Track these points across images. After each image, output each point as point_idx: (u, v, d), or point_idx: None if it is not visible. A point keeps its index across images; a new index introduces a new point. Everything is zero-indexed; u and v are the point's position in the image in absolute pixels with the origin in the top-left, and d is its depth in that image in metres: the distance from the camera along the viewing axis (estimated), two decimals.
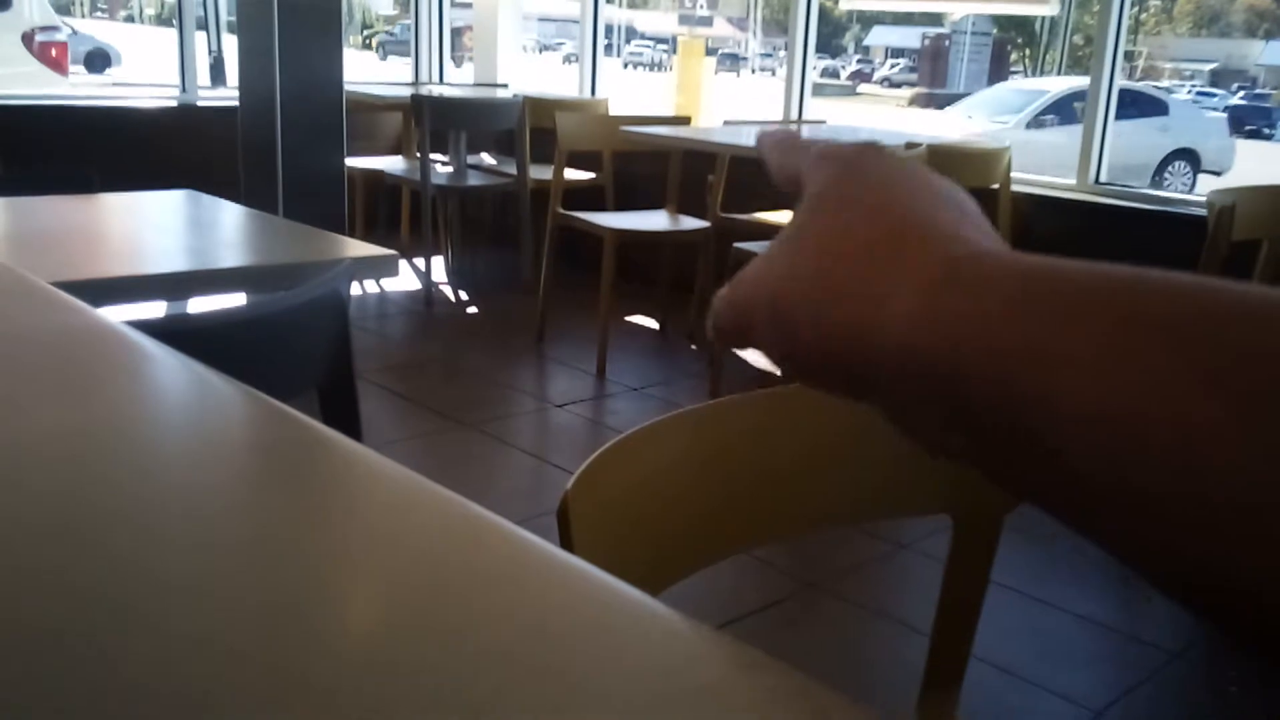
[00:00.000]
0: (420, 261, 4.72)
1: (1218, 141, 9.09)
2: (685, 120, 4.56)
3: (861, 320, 0.32)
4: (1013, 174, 3.75)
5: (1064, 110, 9.41)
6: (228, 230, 1.79)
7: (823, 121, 5.14)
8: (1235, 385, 0.24)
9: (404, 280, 4.81)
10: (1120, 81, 4.21)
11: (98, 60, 15.51)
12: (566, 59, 13.44)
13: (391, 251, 1.50)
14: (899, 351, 0.31)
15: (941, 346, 0.30)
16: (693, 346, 4.23)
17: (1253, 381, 0.24)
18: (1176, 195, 3.83)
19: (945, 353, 0.30)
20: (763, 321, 0.36)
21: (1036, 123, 9.11)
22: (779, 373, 0.37)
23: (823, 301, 0.33)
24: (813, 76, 5.17)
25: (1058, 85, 10.86)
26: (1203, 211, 2.83)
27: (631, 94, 7.69)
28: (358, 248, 1.50)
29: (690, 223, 4.02)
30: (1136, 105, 9.87)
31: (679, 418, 0.79)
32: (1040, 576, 2.47)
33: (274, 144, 3.75)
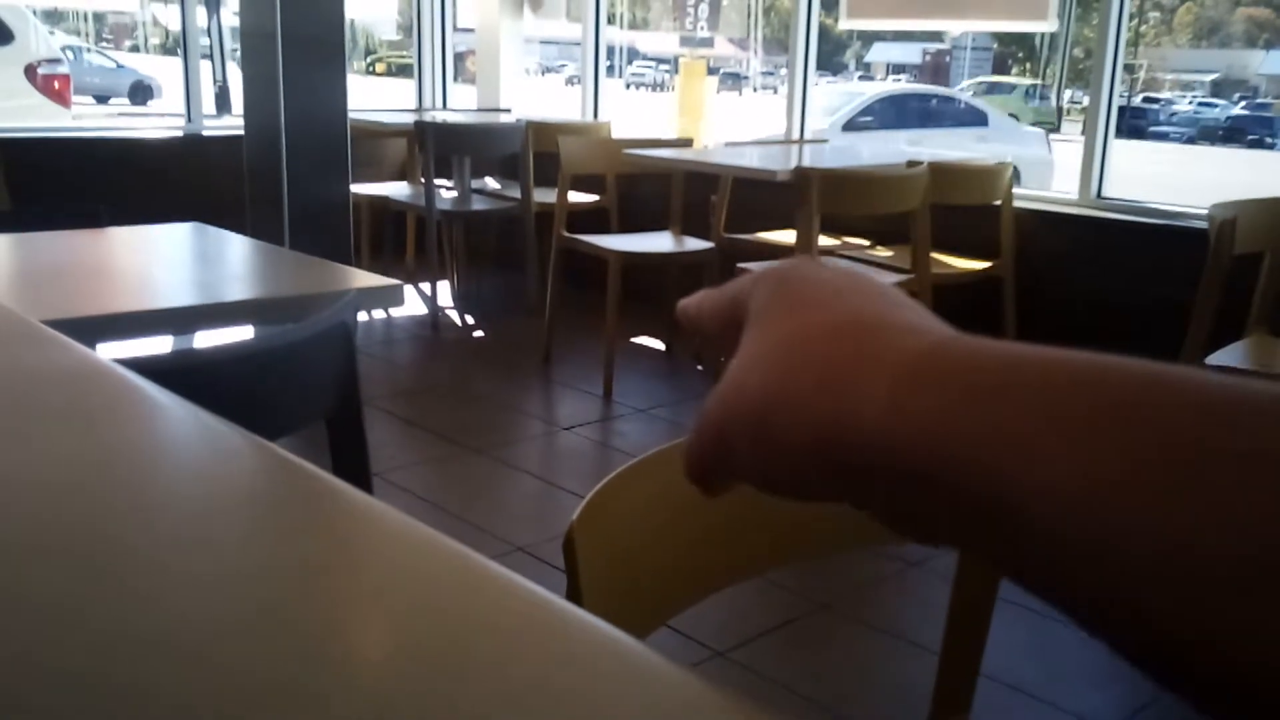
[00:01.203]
0: (426, 287, 4.74)
1: (1036, 154, 9.00)
2: (687, 142, 4.58)
3: (838, 415, 0.33)
4: (1015, 190, 3.76)
5: (882, 113, 9.30)
6: (233, 263, 1.81)
7: (826, 141, 5.16)
8: (1207, 476, 0.25)
9: (411, 305, 4.83)
10: (1124, 96, 4.21)
11: (140, 93, 15.77)
12: (569, 81, 13.48)
13: (396, 281, 1.52)
14: (877, 441, 0.32)
15: (915, 438, 0.31)
16: (699, 367, 4.23)
17: (1223, 474, 0.25)
18: (1178, 209, 3.83)
19: (919, 443, 0.31)
20: (742, 442, 0.36)
21: (853, 124, 9.06)
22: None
23: (798, 405, 0.34)
24: (814, 94, 5.19)
25: (875, 89, 10.74)
26: (1204, 225, 2.83)
27: (634, 115, 7.72)
28: (363, 278, 1.52)
29: (694, 244, 4.03)
30: (955, 115, 9.83)
31: (654, 456, 0.79)
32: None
33: (279, 172, 3.78)
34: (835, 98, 9.42)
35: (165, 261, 1.73)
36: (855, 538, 0.98)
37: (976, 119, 10.15)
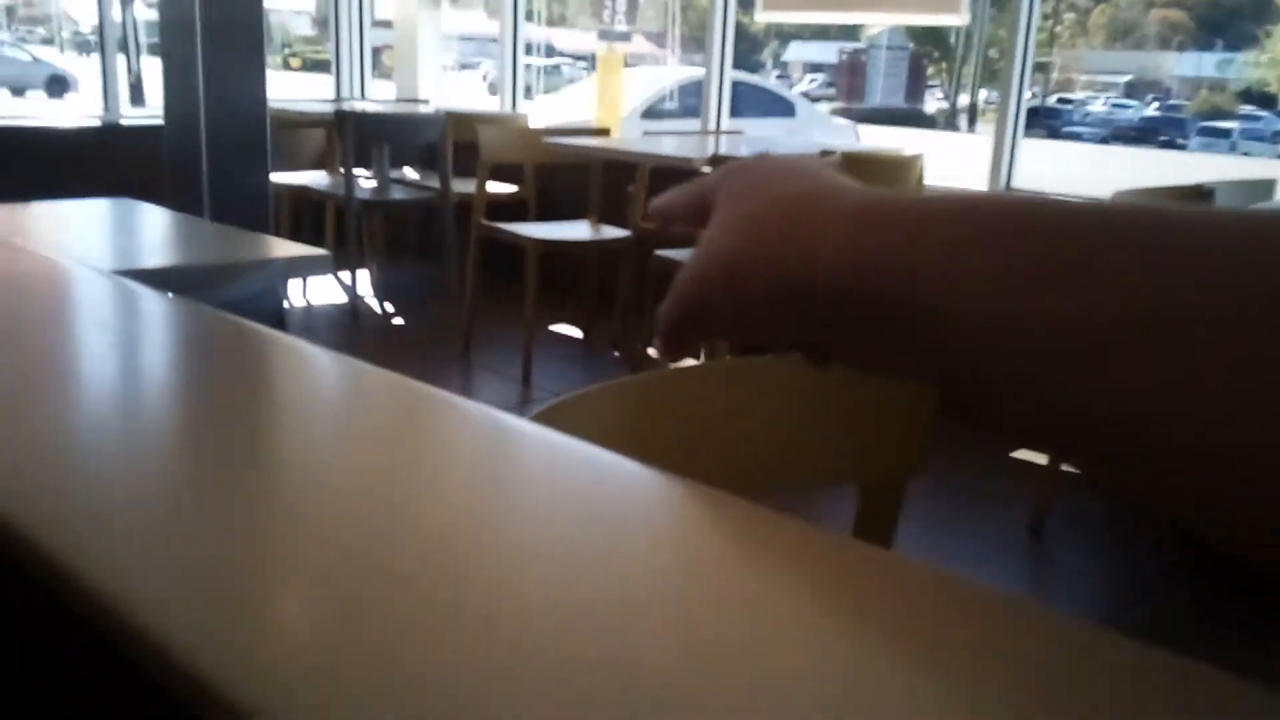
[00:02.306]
0: (346, 275, 4.76)
1: (844, 144, 9.22)
2: (605, 132, 4.66)
3: (803, 258, 0.41)
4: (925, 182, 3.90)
5: (684, 100, 9.28)
6: (157, 233, 1.84)
7: (741, 131, 5.28)
8: (1064, 279, 0.33)
9: (330, 294, 4.84)
10: (1038, 95, 4.39)
11: (57, 86, 15.43)
12: (485, 78, 13.42)
13: (323, 251, 1.57)
14: (833, 283, 0.39)
15: (864, 267, 0.39)
16: (615, 354, 4.32)
17: (1063, 277, 0.33)
18: (1081, 196, 4.01)
19: (867, 270, 0.39)
20: (716, 299, 0.44)
21: (653, 111, 9.06)
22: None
23: (768, 256, 0.42)
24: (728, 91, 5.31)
25: (677, 74, 10.75)
26: None
27: (552, 109, 7.76)
28: (289, 248, 1.57)
29: (611, 232, 4.12)
30: (763, 104, 9.93)
31: (591, 392, 0.83)
32: (943, 548, 2.60)
33: (199, 161, 3.78)
34: (637, 84, 9.20)
35: (87, 231, 1.76)
36: (759, 485, 1.04)
37: (784, 109, 10.27)
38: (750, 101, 10.40)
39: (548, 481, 0.64)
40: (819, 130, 9.94)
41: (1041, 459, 3.00)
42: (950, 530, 2.72)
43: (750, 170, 0.47)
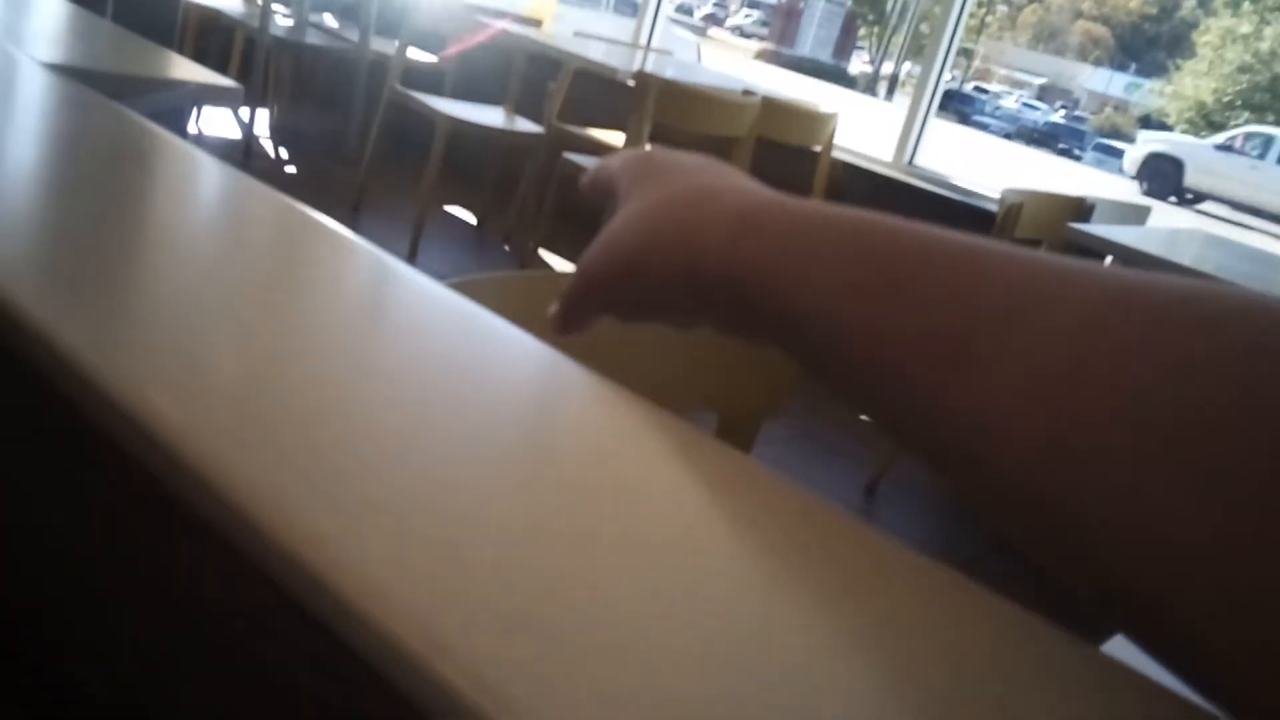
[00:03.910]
0: (245, 112, 4.59)
1: (684, 59, 9.49)
2: (536, 22, 4.58)
3: (692, 258, 0.46)
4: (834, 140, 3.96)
5: None
6: (55, 25, 1.76)
7: (670, 53, 5.25)
8: (901, 293, 0.39)
9: (223, 128, 4.68)
10: (956, 79, 4.47)
11: None
12: None
13: (236, 84, 1.53)
14: (719, 274, 0.45)
15: (742, 270, 0.44)
16: (505, 247, 4.30)
17: (908, 292, 0.39)
18: (976, 189, 4.14)
19: (744, 273, 0.44)
20: (616, 283, 0.50)
21: None
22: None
23: (664, 252, 0.48)
24: (667, 11, 5.27)
25: None
26: (995, 208, 3.10)
27: None
28: (202, 73, 1.52)
29: (525, 125, 4.07)
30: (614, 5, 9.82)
31: (491, 278, 0.86)
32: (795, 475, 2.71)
33: None
34: None
35: None
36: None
37: (629, 9, 10.40)
38: None
39: (424, 327, 0.66)
40: (665, 39, 10.04)
41: None
42: (790, 476, 2.83)
43: (649, 163, 0.53)
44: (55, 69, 1.07)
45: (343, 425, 0.50)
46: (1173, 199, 20.97)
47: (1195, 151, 22.20)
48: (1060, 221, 2.92)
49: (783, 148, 3.78)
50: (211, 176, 0.87)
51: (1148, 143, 23.08)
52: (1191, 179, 21.41)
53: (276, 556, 0.39)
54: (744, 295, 0.44)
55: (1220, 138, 23.76)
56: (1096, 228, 2.78)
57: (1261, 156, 21.86)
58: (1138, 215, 4.04)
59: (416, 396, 0.55)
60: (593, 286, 0.51)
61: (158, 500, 0.46)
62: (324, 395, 0.52)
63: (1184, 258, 2.77)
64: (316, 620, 0.38)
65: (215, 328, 0.56)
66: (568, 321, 0.54)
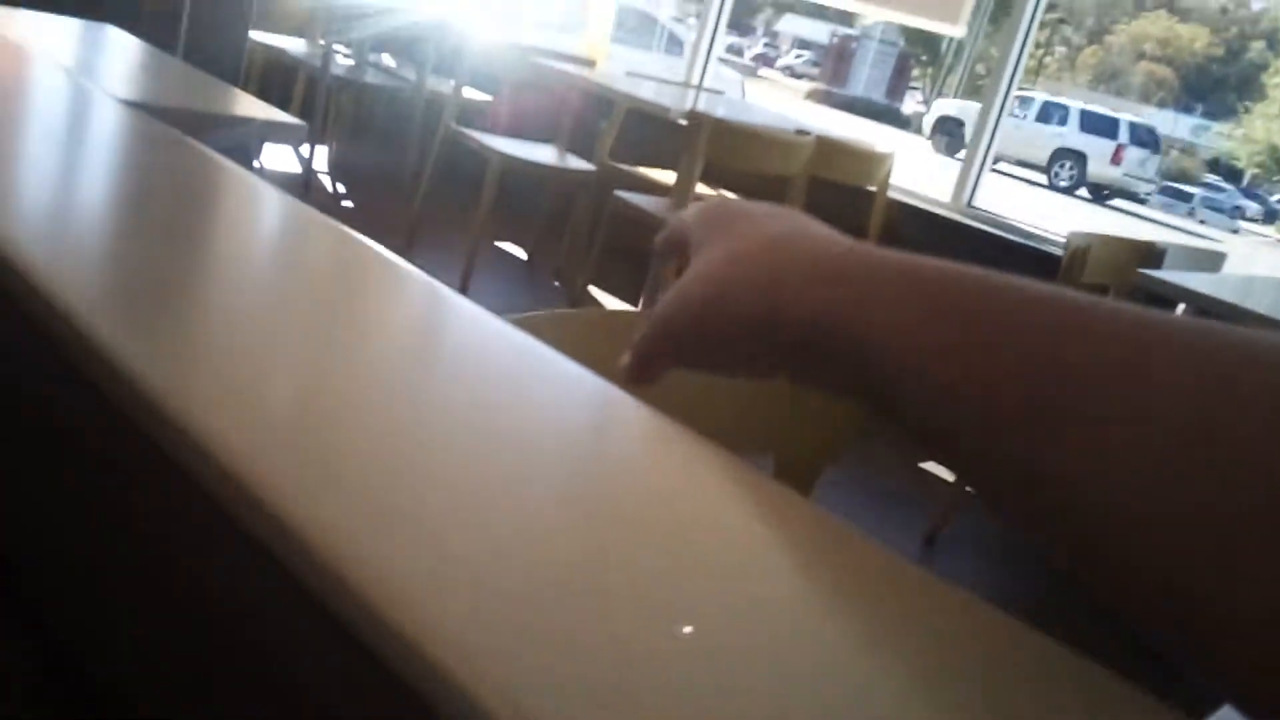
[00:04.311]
0: (305, 148, 4.69)
1: (732, 97, 9.31)
2: (590, 62, 4.64)
3: (768, 311, 0.46)
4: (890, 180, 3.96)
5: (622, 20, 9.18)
6: (132, 64, 1.82)
7: (721, 92, 5.29)
8: (964, 347, 0.38)
9: (284, 162, 4.78)
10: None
11: None
12: None
13: (299, 121, 1.57)
14: (796, 325, 0.44)
15: (819, 320, 0.44)
16: (555, 284, 4.34)
17: (994, 350, 0.38)
18: (1039, 231, 4.11)
19: (821, 324, 0.44)
20: (689, 334, 0.49)
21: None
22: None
23: (738, 305, 0.47)
24: (718, 51, 5.32)
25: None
26: (1060, 251, 3.04)
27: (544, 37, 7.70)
28: (268, 110, 1.56)
29: (576, 163, 4.12)
30: (644, 37, 9.82)
31: (525, 320, 0.86)
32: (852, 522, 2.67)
33: (181, 5, 3.69)
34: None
35: (59, 49, 1.73)
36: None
37: (680, 49, 10.37)
38: (634, 30, 10.25)
39: (479, 358, 0.67)
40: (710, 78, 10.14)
41: (949, 475, 3.09)
42: (853, 523, 2.80)
43: (718, 215, 0.53)
44: (130, 105, 1.11)
45: (396, 453, 0.50)
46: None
47: None
48: (1129, 266, 2.83)
49: (837, 187, 3.77)
50: (277, 209, 0.89)
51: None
52: None
53: (326, 578, 0.39)
54: (823, 346, 0.43)
55: None
56: (1169, 274, 2.70)
57: None
58: (1211, 261, 3.95)
59: (470, 427, 0.55)
60: (666, 337, 0.51)
61: (215, 521, 0.46)
62: (378, 422, 0.53)
63: (1260, 305, 2.68)
64: (361, 644, 0.38)
65: (276, 354, 0.58)
66: (640, 371, 0.52)
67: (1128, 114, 23.37)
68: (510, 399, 0.61)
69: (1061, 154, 20.73)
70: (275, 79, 5.06)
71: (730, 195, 4.27)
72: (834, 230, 0.50)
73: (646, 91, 4.08)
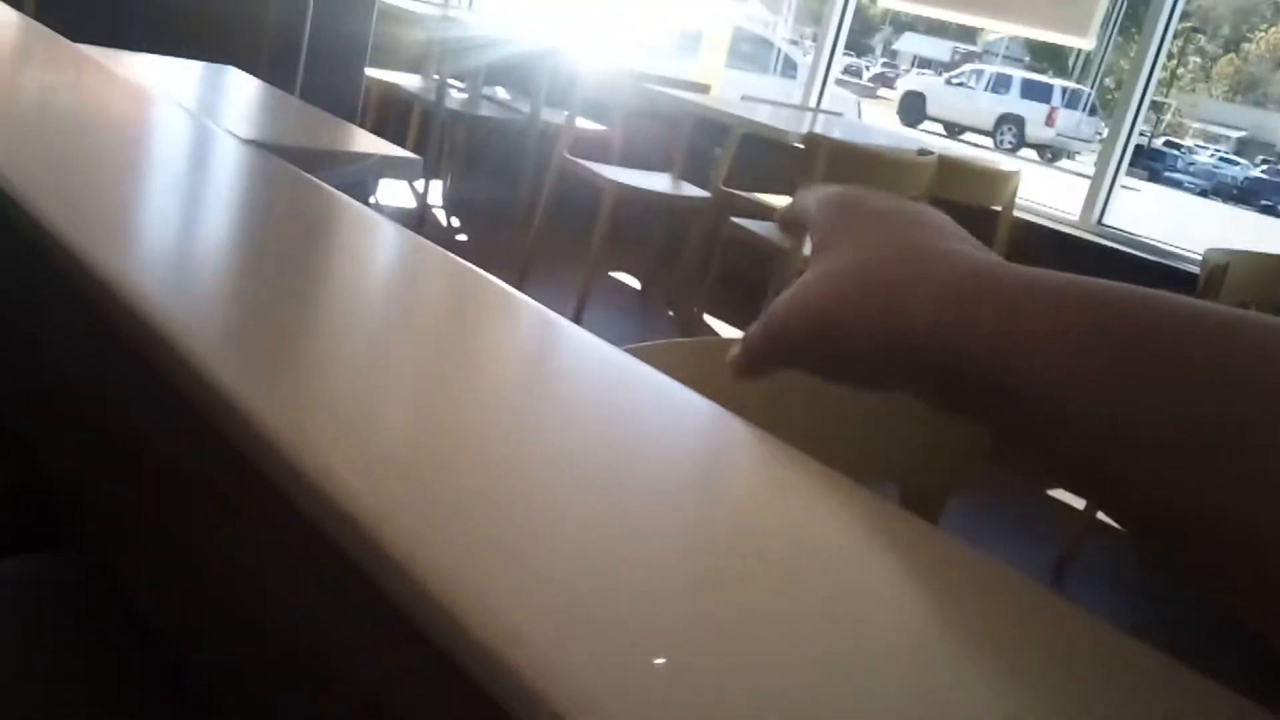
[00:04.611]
0: (420, 183, 4.74)
1: (849, 118, 9.04)
2: (705, 88, 4.58)
3: (897, 330, 0.42)
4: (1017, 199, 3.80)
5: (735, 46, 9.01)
6: (253, 104, 1.83)
7: (840, 114, 5.18)
8: (1147, 378, 0.35)
9: (400, 197, 4.83)
10: (1146, 135, 4.26)
11: None
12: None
13: (416, 156, 1.55)
14: (926, 347, 0.41)
15: (953, 343, 0.40)
16: (670, 313, 4.27)
17: (1158, 377, 0.35)
18: (1173, 249, 3.90)
19: (955, 346, 0.40)
20: (804, 340, 0.46)
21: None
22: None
23: (864, 321, 0.44)
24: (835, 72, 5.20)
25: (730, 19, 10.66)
26: (1196, 269, 2.88)
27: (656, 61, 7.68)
28: (384, 146, 1.55)
29: (691, 190, 4.05)
30: (761, 59, 9.65)
31: (641, 350, 0.83)
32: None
33: (300, 41, 3.76)
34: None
35: (186, 91, 1.75)
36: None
37: (790, 71, 10.14)
38: (748, 54, 10.27)
39: (591, 384, 0.66)
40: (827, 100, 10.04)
41: (1079, 503, 2.94)
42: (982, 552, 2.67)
43: (853, 211, 0.49)
44: (251, 144, 1.11)
45: (511, 486, 0.49)
46: None
47: None
48: (1272, 283, 2.67)
49: (961, 208, 3.65)
50: (393, 243, 0.89)
51: None
52: None
53: (441, 618, 0.39)
54: (957, 368, 0.40)
55: None
56: None
57: None
58: None
59: (586, 457, 0.54)
60: (781, 337, 0.47)
61: (327, 558, 0.46)
62: (493, 454, 0.52)
63: None
64: (468, 678, 0.37)
65: (392, 389, 0.58)
66: (748, 368, 0.49)
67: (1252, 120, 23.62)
68: (627, 428, 0.60)
69: (1004, 119, 22.12)
70: (391, 115, 5.13)
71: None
72: (969, 236, 0.47)
73: (762, 115, 3.99)
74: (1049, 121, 21.97)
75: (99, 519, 0.76)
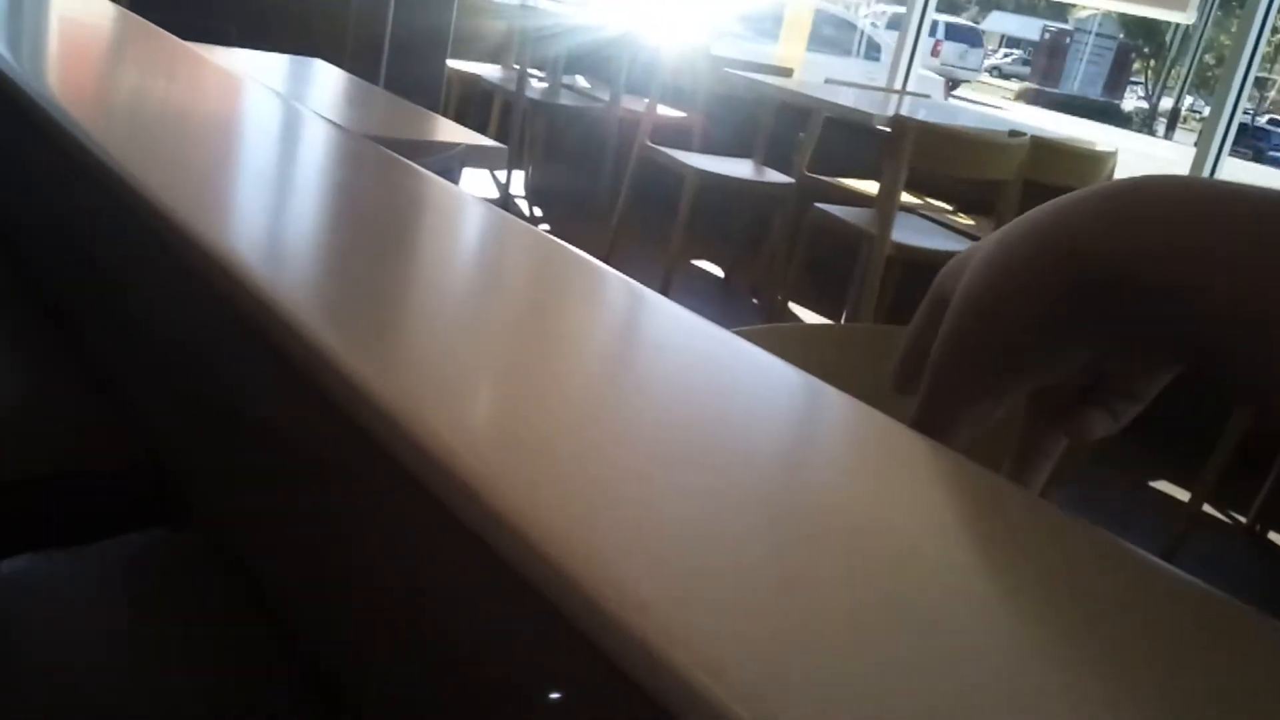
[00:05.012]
0: (501, 173, 4.74)
1: (935, 100, 8.70)
2: (787, 72, 4.51)
3: (1064, 256, 0.40)
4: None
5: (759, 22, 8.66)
6: (341, 96, 1.84)
7: (927, 96, 5.06)
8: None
9: (483, 187, 4.84)
10: (1249, 113, 4.10)
11: None
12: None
13: (500, 145, 1.54)
14: (1099, 270, 0.39)
15: (1128, 266, 0.38)
16: (754, 300, 4.22)
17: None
18: None
19: (1129, 269, 0.38)
20: (977, 335, 0.44)
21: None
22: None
23: (1029, 260, 0.42)
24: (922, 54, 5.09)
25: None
26: None
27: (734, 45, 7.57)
28: (469, 135, 1.55)
29: (774, 176, 3.99)
30: (843, 43, 9.43)
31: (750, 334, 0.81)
32: None
33: (384, 33, 3.78)
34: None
35: (278, 82, 1.77)
36: None
37: (874, 54, 9.90)
38: (831, 38, 10.12)
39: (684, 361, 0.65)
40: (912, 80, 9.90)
41: (1182, 495, 2.84)
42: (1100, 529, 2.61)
43: (963, 258, 0.47)
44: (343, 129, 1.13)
45: (606, 450, 0.48)
46: None
47: None
48: None
49: (1055, 191, 3.51)
50: (487, 221, 0.91)
51: None
52: None
53: (540, 564, 0.39)
54: (1135, 297, 0.38)
55: None
56: None
57: None
58: None
59: (686, 428, 0.52)
60: (952, 348, 0.44)
61: (436, 518, 0.47)
62: (583, 412, 0.52)
63: None
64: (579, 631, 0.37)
65: (489, 355, 0.58)
66: (906, 382, 0.48)
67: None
68: (726, 400, 0.58)
69: None
70: (472, 105, 5.15)
71: (938, 204, 4.05)
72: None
73: (846, 99, 3.90)
74: (934, 52, 22.19)
75: (212, 493, 0.78)
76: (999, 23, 28.83)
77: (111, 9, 1.54)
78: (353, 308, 0.62)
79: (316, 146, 1.05)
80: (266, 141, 1.04)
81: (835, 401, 0.59)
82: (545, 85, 4.87)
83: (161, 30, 1.45)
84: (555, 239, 0.83)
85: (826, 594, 0.39)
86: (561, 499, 0.43)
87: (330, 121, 1.11)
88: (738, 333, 0.74)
